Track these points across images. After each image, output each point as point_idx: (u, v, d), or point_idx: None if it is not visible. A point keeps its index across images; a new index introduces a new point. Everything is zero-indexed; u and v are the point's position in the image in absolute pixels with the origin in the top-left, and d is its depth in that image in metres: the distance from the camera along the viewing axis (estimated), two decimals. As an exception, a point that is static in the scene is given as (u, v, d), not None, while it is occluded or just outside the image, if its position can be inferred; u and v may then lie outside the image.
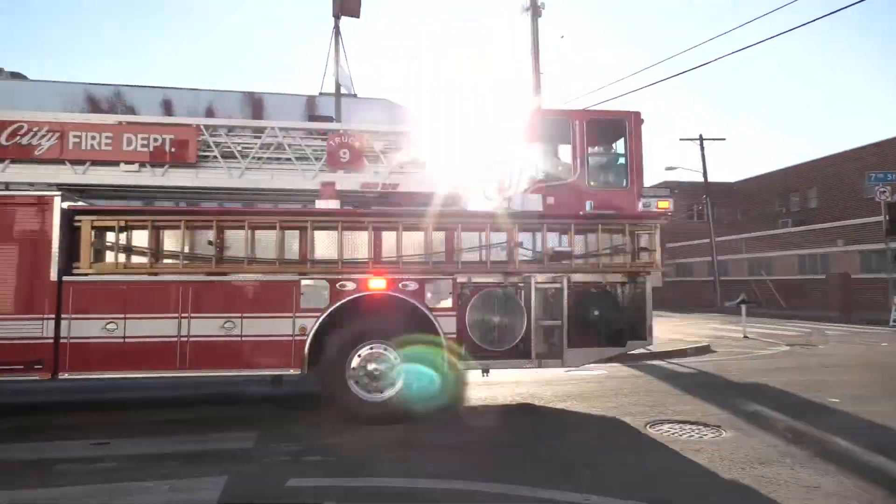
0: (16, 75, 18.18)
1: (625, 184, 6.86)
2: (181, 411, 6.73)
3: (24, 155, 6.58)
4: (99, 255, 5.93)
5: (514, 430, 5.79)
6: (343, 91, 14.96)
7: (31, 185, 6.43)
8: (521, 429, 5.79)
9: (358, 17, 14.08)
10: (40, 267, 5.56)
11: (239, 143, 7.06)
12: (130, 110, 17.32)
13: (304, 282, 5.84)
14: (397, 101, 21.79)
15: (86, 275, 5.70)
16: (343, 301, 5.85)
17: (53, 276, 5.55)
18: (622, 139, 6.98)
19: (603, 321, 6.35)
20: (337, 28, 14.66)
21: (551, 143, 7.18)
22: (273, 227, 6.02)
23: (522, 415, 6.40)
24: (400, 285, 5.99)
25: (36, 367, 5.38)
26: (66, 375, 5.41)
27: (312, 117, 9.78)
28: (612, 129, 7.06)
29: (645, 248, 6.59)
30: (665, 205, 6.77)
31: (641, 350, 8.46)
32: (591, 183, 6.81)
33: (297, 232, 6.09)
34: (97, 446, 5.29)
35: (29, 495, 4.18)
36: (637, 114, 7.00)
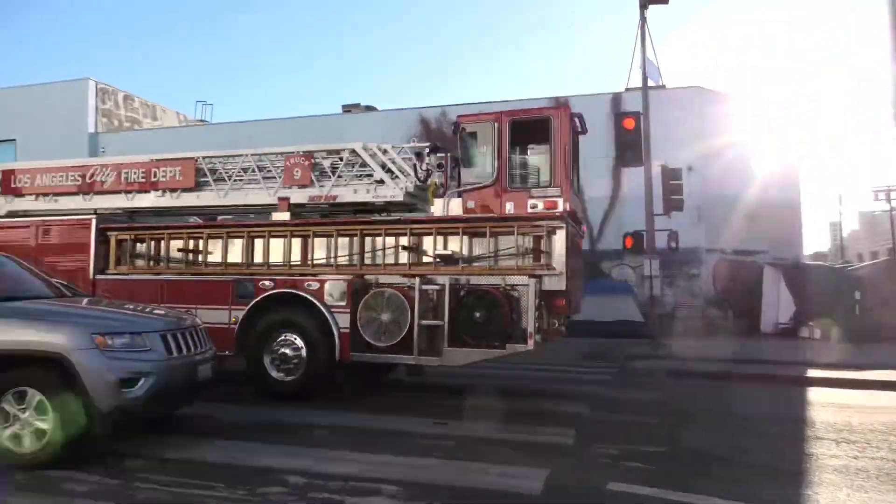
0: (369, 108, 22.13)
1: (548, 183, 6.93)
2: (505, 401, 7.23)
3: (98, 188, 9.17)
4: (120, 260, 8.28)
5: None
6: (650, 84, 14.37)
7: (105, 209, 8.99)
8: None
9: (666, 2, 13.43)
10: (85, 268, 8.21)
11: (230, 168, 8.57)
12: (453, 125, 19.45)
13: (237, 281, 7.54)
14: (711, 87, 20.11)
15: (111, 274, 8.20)
16: (261, 296, 7.35)
17: (91, 274, 8.17)
18: (549, 137, 7.02)
19: (483, 322, 6.60)
20: (643, 18, 14.17)
21: (479, 147, 7.38)
22: (221, 237, 7.87)
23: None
24: (305, 285, 7.26)
25: None
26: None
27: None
28: (538, 128, 7.14)
29: (543, 251, 6.72)
30: (551, 205, 6.71)
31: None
32: (510, 184, 7.06)
33: (240, 240, 7.81)
34: (438, 425, 6.01)
35: (386, 459, 4.89)
36: (563, 109, 7.12)
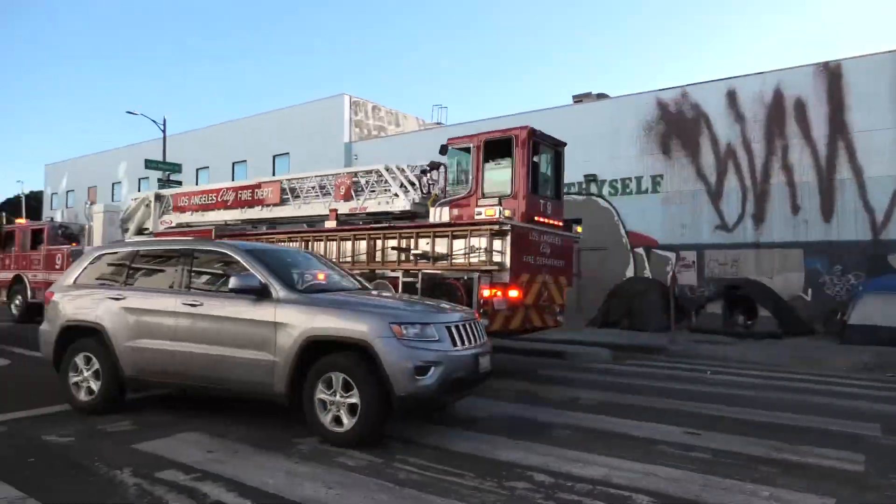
0: (601, 95, 21.01)
1: (510, 193, 9.18)
2: (766, 413, 6.89)
3: (224, 205, 12.92)
4: None
5: None
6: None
7: (228, 220, 12.71)
8: None
9: None
10: None
11: (302, 187, 11.63)
12: (695, 108, 17.47)
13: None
14: None
15: None
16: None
17: None
18: (511, 153, 9.51)
19: None
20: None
21: (462, 164, 9.79)
22: (285, 242, 10.51)
23: None
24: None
25: None
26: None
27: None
28: (505, 145, 9.40)
29: (492, 250, 8.62)
30: (491, 213, 8.48)
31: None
32: (483, 194, 9.37)
33: (297, 244, 10.34)
34: (690, 435, 5.78)
35: (631, 466, 4.82)
36: (524, 129, 9.29)
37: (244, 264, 5.93)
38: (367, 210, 11.05)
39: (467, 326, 5.64)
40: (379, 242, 9.96)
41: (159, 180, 26.52)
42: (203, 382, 5.89)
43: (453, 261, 9.15)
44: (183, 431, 5.69)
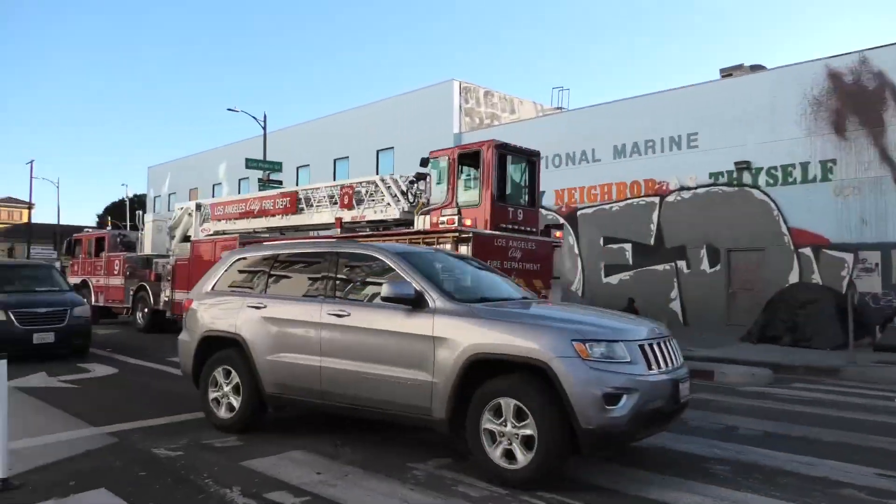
0: (755, 67, 20.08)
1: (478, 202, 12.10)
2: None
3: (251, 214, 16.40)
4: None
5: None
6: None
7: (255, 229, 16.24)
8: None
9: None
10: None
11: (314, 196, 14.62)
12: (878, 77, 16.29)
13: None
14: None
15: None
16: None
17: None
18: (479, 165, 12.58)
19: None
20: None
21: (441, 175, 12.72)
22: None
23: None
24: None
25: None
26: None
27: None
28: (475, 158, 12.37)
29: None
30: (451, 222, 11.28)
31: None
32: (457, 204, 12.26)
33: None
34: (885, 478, 5.43)
35: None
36: (490, 142, 12.25)
37: (397, 269, 5.84)
38: (367, 218, 14.13)
39: (662, 345, 5.24)
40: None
41: (259, 181, 27.97)
42: (351, 403, 5.88)
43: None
44: (291, 450, 6.01)
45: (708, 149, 19.71)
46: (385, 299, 5.59)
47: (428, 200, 13.25)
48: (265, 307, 6.48)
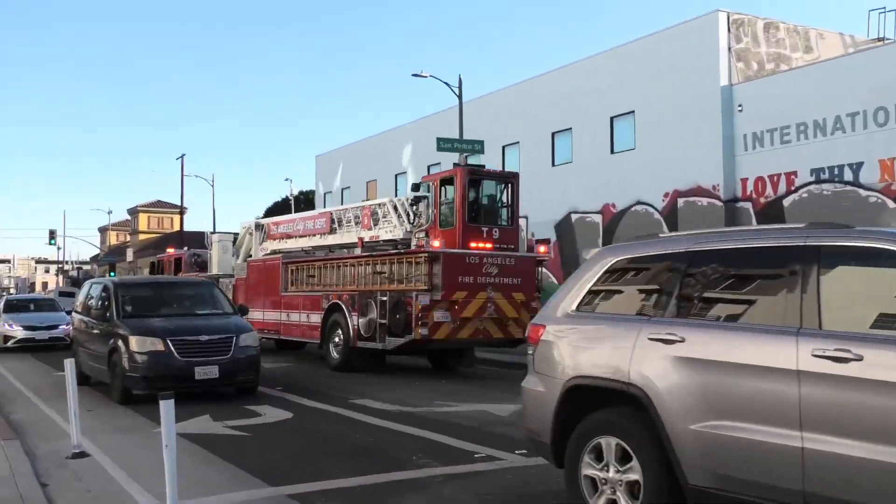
0: None
1: (454, 224, 17.69)
2: None
3: (292, 235, 23.44)
4: (292, 283, 21.41)
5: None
6: None
7: (299, 248, 22.90)
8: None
9: None
10: (277, 287, 22.06)
11: (345, 217, 20.99)
12: None
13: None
14: None
15: (287, 291, 22.04)
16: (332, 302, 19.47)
17: (282, 291, 21.90)
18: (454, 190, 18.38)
19: (399, 319, 16.69)
20: None
21: (430, 199, 18.27)
22: (326, 266, 20.20)
23: None
24: (345, 296, 18.84)
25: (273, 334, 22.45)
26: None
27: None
28: (452, 183, 18.31)
29: (434, 273, 16.49)
30: (420, 243, 17.23)
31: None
32: (439, 225, 18.02)
33: (333, 268, 19.80)
34: None
35: None
36: (460, 168, 18.54)
37: None
38: (381, 238, 19.50)
39: None
40: (368, 268, 18.70)
41: (455, 165, 28.54)
42: None
43: (407, 282, 17.22)
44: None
45: None
46: None
47: (425, 221, 18.94)
48: (682, 341, 5.43)
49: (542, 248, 19.38)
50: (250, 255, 25.09)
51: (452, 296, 17.08)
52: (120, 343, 13.37)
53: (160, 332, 13.18)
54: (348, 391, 14.57)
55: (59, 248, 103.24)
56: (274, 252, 23.92)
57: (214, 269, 26.79)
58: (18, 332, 26.23)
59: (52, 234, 77.12)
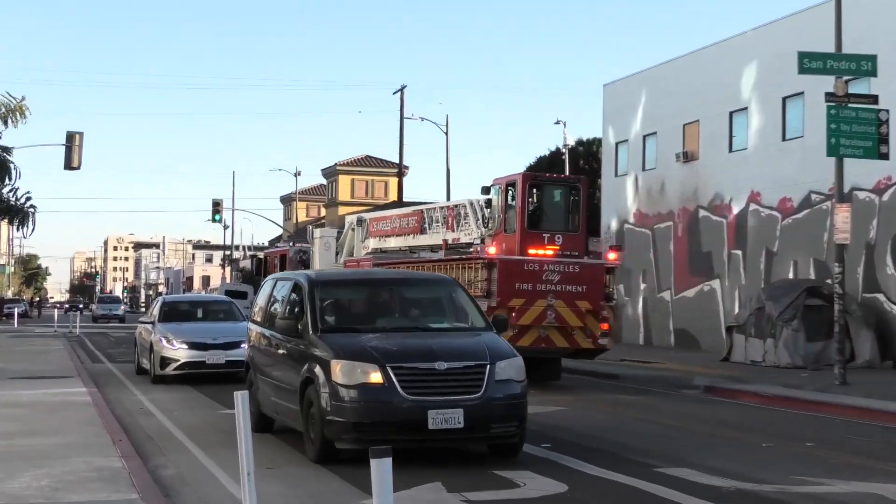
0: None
1: (514, 230, 26.86)
2: None
3: (390, 233, 35.24)
4: None
5: None
6: None
7: (394, 248, 35.00)
8: None
9: None
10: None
11: (432, 217, 32.83)
12: None
13: None
14: None
15: None
16: None
17: None
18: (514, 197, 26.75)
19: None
20: None
21: (497, 204, 28.50)
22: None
23: None
24: None
25: None
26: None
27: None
28: (512, 188, 27.23)
29: (486, 280, 25.17)
30: (475, 250, 27.29)
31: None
32: (505, 231, 27.18)
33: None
34: None
35: None
36: (523, 175, 28.87)
37: None
38: (461, 241, 26.66)
39: None
40: (451, 272, 24.07)
41: (833, 101, 27.60)
42: None
43: (468, 288, 19.25)
44: None
45: None
46: None
47: (495, 226, 25.31)
48: None
49: (611, 255, 25.50)
50: (352, 255, 31.92)
51: (509, 302, 22.47)
52: (317, 370, 12.70)
53: (377, 356, 12.52)
54: (646, 451, 14.34)
55: (225, 227, 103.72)
56: (375, 251, 30.98)
57: (316, 268, 31.76)
58: (182, 353, 24.76)
59: (217, 207, 72.79)
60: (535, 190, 25.43)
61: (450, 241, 26.31)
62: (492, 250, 23.05)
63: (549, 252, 23.95)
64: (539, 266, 23.20)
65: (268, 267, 36.65)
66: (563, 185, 26.58)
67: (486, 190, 25.77)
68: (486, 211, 25.83)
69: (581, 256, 24.61)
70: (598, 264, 24.66)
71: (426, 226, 28.65)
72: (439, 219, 28.04)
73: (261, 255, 38.41)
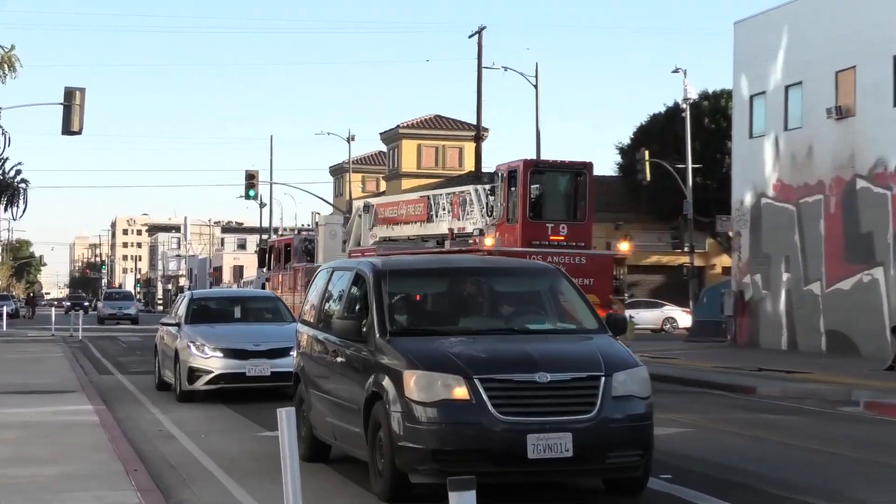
0: None
1: (516, 220, 34.66)
2: None
3: (397, 220, 47.42)
4: None
5: None
6: None
7: (404, 236, 45.15)
8: None
9: None
10: None
11: (440, 204, 44.23)
12: None
13: None
14: None
15: None
16: None
17: None
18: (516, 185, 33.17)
19: None
20: None
21: (499, 193, 37.25)
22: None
23: None
24: None
25: None
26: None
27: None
28: (514, 177, 35.19)
29: None
30: (472, 242, 35.77)
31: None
32: (507, 220, 34.87)
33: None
34: None
35: None
36: (523, 162, 35.69)
37: None
38: (466, 229, 32.02)
39: None
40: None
41: None
42: None
43: None
44: None
45: None
46: None
47: (498, 215, 26.61)
48: None
49: (622, 247, 27.67)
50: (359, 244, 34.05)
51: None
52: (386, 383, 12.40)
53: (461, 365, 12.13)
54: (792, 485, 14.37)
55: (262, 206, 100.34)
56: (383, 240, 33.26)
57: (320, 259, 33.53)
58: (216, 363, 23.15)
59: (252, 180, 67.06)
60: (537, 177, 28.60)
61: (455, 231, 28.11)
62: (488, 242, 25.28)
63: (553, 243, 26.42)
64: (541, 258, 24.94)
65: (273, 257, 41.89)
66: (568, 171, 29.60)
67: (492, 177, 27.56)
68: (490, 199, 28.50)
69: (588, 246, 26.82)
70: (607, 255, 25.88)
71: (432, 213, 31.13)
72: (445, 206, 30.28)
73: (267, 244, 42.90)
